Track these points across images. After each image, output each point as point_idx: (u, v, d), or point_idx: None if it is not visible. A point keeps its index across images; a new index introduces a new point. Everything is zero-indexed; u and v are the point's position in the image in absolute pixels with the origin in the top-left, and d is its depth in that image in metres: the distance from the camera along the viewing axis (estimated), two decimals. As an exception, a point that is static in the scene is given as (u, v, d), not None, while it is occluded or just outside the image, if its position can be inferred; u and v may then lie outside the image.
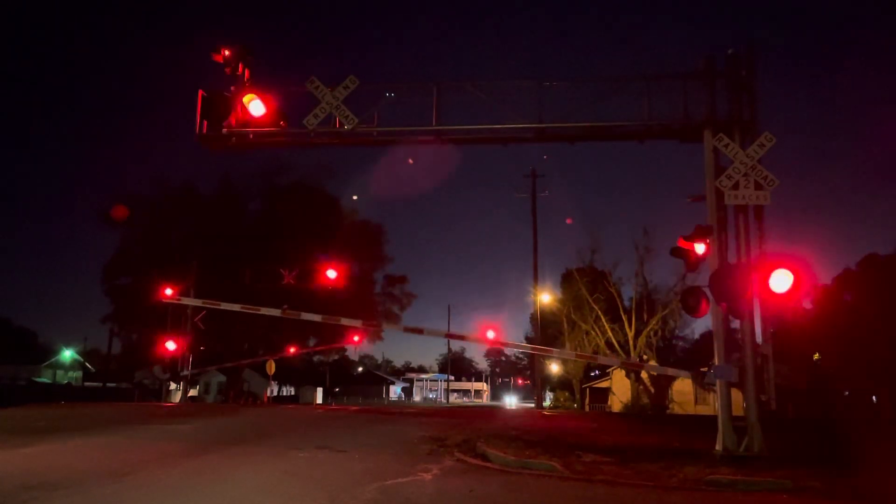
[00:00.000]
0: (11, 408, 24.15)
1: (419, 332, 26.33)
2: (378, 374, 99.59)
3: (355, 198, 55.83)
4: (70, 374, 74.58)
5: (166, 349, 39.58)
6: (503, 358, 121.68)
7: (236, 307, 30.74)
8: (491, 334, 23.52)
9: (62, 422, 18.23)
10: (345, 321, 46.45)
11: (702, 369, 13.49)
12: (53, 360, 75.62)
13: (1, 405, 24.53)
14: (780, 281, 11.04)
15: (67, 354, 74.94)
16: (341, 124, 13.65)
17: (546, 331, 48.70)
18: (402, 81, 14.49)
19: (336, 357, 60.95)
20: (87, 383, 62.95)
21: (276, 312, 33.19)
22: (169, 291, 34.10)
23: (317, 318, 41.84)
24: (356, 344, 52.29)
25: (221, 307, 31.85)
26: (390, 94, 14.15)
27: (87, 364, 72.51)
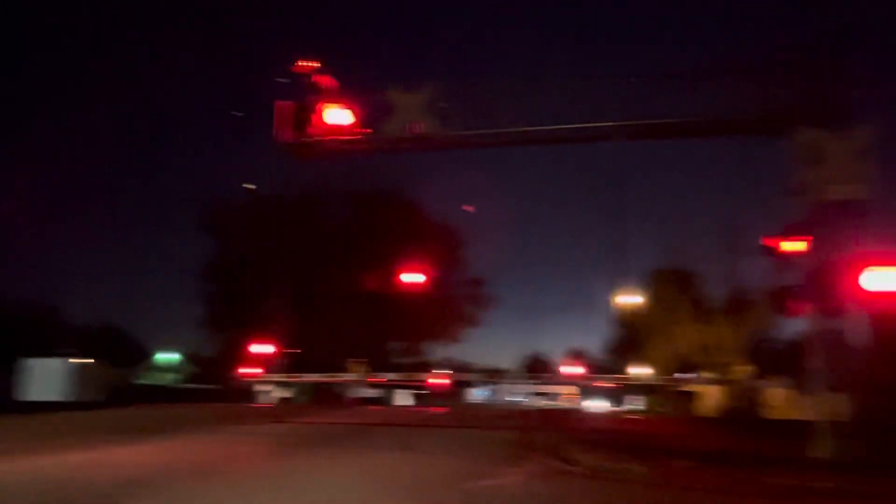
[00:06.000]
0: (121, 407, 26.03)
1: (498, 374, 27.49)
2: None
3: (437, 201, 56.38)
4: (169, 375, 78.33)
5: (259, 353, 41.43)
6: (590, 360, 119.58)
7: (314, 376, 34.53)
8: (569, 370, 23.52)
9: (162, 422, 19.28)
10: (431, 380, 50.23)
11: (800, 375, 12.94)
12: (154, 363, 79.67)
13: (112, 405, 26.80)
14: (883, 278, 10.47)
15: (167, 358, 78.80)
16: (422, 129, 13.84)
17: (629, 333, 47.82)
18: (480, 83, 14.56)
19: (418, 360, 61.94)
20: (185, 385, 65.89)
21: (356, 377, 37.36)
22: (259, 370, 38.06)
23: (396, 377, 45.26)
24: (438, 386, 53.66)
25: (303, 379, 35.84)
26: (468, 97, 14.24)
27: (185, 367, 76.01)
